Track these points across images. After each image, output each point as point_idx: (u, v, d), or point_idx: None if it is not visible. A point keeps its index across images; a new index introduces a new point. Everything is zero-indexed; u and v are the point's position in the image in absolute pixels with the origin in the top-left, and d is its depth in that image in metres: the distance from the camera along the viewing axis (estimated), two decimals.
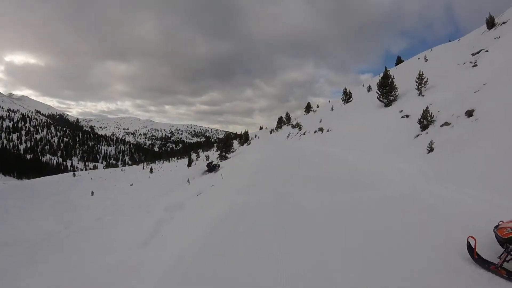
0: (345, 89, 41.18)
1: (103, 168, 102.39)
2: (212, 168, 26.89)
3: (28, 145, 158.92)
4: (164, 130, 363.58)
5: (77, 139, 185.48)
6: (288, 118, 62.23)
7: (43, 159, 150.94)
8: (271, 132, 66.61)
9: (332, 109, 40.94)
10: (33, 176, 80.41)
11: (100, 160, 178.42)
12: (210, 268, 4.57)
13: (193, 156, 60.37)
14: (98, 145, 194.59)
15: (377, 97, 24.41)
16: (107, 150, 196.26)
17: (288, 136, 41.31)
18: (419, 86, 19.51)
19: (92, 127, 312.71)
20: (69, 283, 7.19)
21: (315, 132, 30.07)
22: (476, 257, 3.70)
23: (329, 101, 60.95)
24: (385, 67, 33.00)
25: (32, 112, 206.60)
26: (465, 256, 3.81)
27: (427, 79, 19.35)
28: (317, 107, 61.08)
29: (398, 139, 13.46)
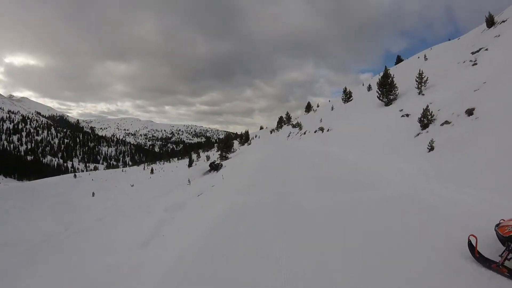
0: (345, 88, 41.19)
1: (104, 169, 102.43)
2: (215, 167, 27.02)
3: (29, 147, 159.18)
4: (165, 130, 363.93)
5: (78, 140, 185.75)
6: (289, 118, 62.24)
7: (43, 160, 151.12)
8: (271, 132, 66.63)
9: (332, 108, 40.95)
10: (34, 178, 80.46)
11: (100, 161, 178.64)
12: (210, 268, 4.57)
13: (194, 156, 60.41)
14: (99, 146, 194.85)
15: (377, 96, 24.40)
16: (107, 151, 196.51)
17: (289, 135, 41.32)
18: (419, 85, 19.49)
19: (92, 128, 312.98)
20: (70, 284, 7.19)
21: (315, 131, 30.06)
22: (477, 256, 3.69)
23: (329, 101, 60.98)
24: (385, 66, 32.97)
25: (32, 114, 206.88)
26: (466, 254, 3.79)
27: (427, 78, 19.33)
28: (317, 106, 61.10)
29: (399, 138, 13.45)
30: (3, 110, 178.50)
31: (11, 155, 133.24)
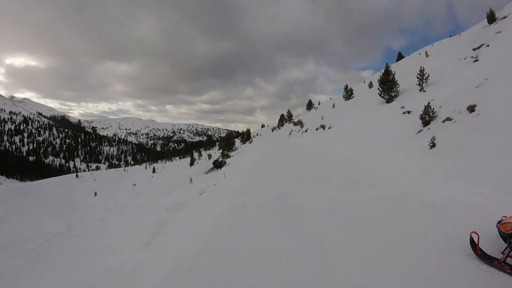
0: (346, 86, 41.14)
1: (106, 169, 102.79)
2: (218, 164, 27.17)
3: (31, 147, 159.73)
4: (166, 129, 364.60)
5: (79, 140, 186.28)
6: (290, 115, 62.26)
7: (45, 161, 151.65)
8: (272, 130, 66.71)
9: (333, 106, 40.94)
10: (36, 178, 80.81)
11: (102, 161, 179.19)
12: (210, 268, 4.58)
13: (195, 155, 60.51)
14: (101, 146, 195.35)
15: (379, 93, 24.35)
16: (109, 150, 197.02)
17: (290, 133, 41.35)
18: (420, 82, 19.44)
19: (94, 128, 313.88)
20: (72, 284, 7.23)
21: (316, 129, 30.07)
22: (479, 253, 3.68)
23: (330, 98, 60.98)
24: (386, 63, 32.92)
25: (33, 114, 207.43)
26: (468, 251, 3.79)
27: (428, 74, 19.28)
28: (319, 104, 61.10)
29: (400, 135, 13.42)
30: (4, 111, 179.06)
31: (13, 156, 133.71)
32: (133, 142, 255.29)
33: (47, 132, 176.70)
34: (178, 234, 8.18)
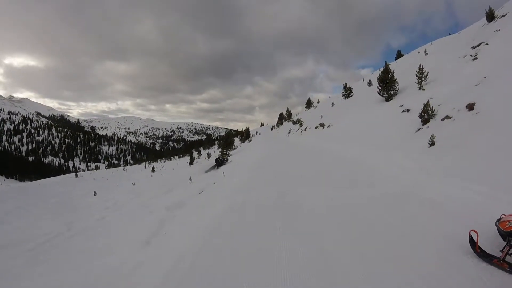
0: (346, 84, 41.13)
1: (105, 168, 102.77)
2: (220, 162, 27.29)
3: (30, 147, 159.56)
4: (165, 128, 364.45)
5: (79, 140, 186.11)
6: (289, 114, 62.24)
7: (45, 160, 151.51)
8: (272, 129, 66.69)
9: (332, 104, 40.92)
10: (36, 178, 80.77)
11: (102, 160, 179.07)
12: (210, 268, 4.58)
13: (195, 154, 60.49)
14: (100, 145, 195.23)
15: (378, 91, 24.34)
16: (108, 150, 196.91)
17: (289, 132, 41.32)
18: (420, 80, 19.43)
19: (93, 128, 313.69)
20: (72, 284, 7.23)
21: (316, 128, 30.06)
22: (478, 251, 3.69)
23: (330, 97, 60.95)
24: (385, 62, 32.89)
25: (32, 114, 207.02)
26: (467, 250, 3.80)
27: (428, 73, 19.27)
28: (318, 102, 61.08)
29: (399, 134, 13.43)
30: (3, 111, 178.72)
31: (12, 156, 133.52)
32: (132, 141, 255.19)
33: (46, 132, 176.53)
34: (177, 233, 8.17)
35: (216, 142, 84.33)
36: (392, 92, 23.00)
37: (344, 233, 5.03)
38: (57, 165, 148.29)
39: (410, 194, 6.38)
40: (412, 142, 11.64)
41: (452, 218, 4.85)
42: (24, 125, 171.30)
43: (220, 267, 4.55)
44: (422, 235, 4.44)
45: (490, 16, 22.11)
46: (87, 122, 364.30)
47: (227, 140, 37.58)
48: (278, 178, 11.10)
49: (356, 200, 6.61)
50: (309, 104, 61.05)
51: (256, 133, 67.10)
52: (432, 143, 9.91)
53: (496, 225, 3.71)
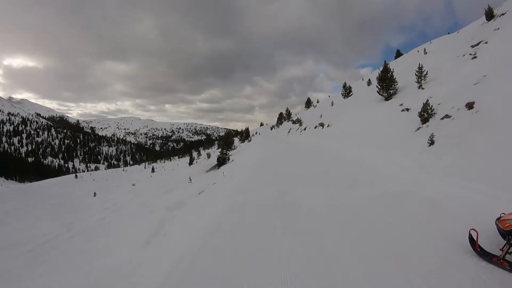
0: (345, 83, 41.13)
1: (105, 169, 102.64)
2: (222, 161, 27.42)
3: (29, 148, 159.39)
4: (165, 129, 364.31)
5: (78, 141, 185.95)
6: (289, 114, 62.22)
7: (44, 161, 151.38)
8: (271, 129, 66.68)
9: (332, 104, 40.91)
10: (35, 179, 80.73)
11: (101, 161, 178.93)
12: (210, 268, 4.58)
13: (195, 154, 60.47)
14: (99, 146, 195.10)
15: (377, 91, 24.34)
16: (108, 150, 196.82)
17: (289, 132, 41.31)
18: (419, 79, 19.43)
19: (92, 128, 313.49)
20: (71, 284, 7.22)
21: (315, 127, 30.05)
22: (478, 250, 3.68)
23: (329, 96, 60.93)
24: (385, 61, 32.93)
25: (32, 115, 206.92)
26: (467, 249, 3.79)
27: (427, 72, 19.27)
28: (317, 102, 61.06)
29: (399, 133, 13.43)
30: (3, 112, 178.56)
31: (12, 157, 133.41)
32: (132, 142, 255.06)
33: (45, 132, 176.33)
34: (177, 233, 8.17)
35: (216, 142, 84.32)
36: (391, 91, 23.00)
37: (344, 232, 5.03)
38: (56, 166, 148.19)
39: (410, 193, 6.38)
40: (412, 141, 11.64)
41: (452, 217, 4.84)
42: (23, 126, 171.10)
43: (220, 266, 4.55)
44: (422, 234, 4.44)
45: (490, 15, 22.12)
46: (86, 122, 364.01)
47: (226, 140, 37.56)
48: (278, 177, 11.08)
49: (356, 200, 6.60)
50: (308, 103, 61.03)
51: (256, 133, 67.09)
52: (431, 142, 9.91)
53: (496, 223, 3.71)
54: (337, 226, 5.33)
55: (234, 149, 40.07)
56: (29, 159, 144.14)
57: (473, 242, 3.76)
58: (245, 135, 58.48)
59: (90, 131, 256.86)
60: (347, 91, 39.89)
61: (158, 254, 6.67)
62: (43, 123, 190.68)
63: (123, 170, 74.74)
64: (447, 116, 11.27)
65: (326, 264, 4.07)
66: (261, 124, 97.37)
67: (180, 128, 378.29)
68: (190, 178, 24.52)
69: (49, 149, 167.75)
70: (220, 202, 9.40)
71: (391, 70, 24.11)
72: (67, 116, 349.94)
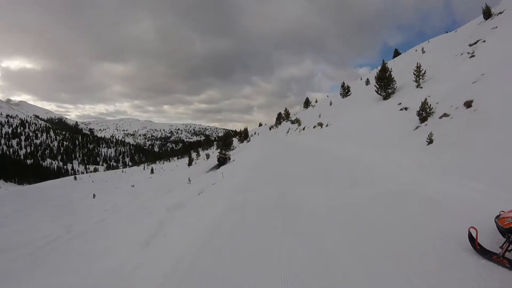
0: (343, 83, 41.19)
1: (104, 171, 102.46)
2: (223, 161, 27.46)
3: (28, 150, 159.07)
4: (164, 130, 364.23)
5: (77, 143, 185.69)
6: (287, 114, 62.29)
7: (43, 163, 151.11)
8: (270, 129, 66.69)
9: (330, 103, 40.92)
10: (34, 181, 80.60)
11: (100, 163, 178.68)
12: (210, 268, 4.57)
13: (194, 155, 60.39)
14: (98, 148, 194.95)
15: (375, 90, 24.38)
16: (107, 152, 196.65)
17: (288, 132, 41.31)
18: (417, 78, 19.46)
19: (91, 130, 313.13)
20: (71, 286, 7.21)
21: (314, 127, 30.06)
22: (478, 248, 3.69)
23: (328, 96, 60.98)
24: (383, 60, 32.91)
25: (30, 117, 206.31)
26: (466, 247, 3.80)
27: (425, 71, 19.31)
28: (316, 102, 61.10)
29: (398, 132, 13.44)
30: (1, 114, 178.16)
31: (11, 160, 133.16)
32: (131, 143, 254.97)
33: (44, 134, 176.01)
34: (177, 234, 8.15)
35: (215, 143, 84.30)
36: (390, 90, 23.04)
37: (344, 232, 5.03)
38: (55, 168, 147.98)
39: (409, 193, 6.38)
40: (410, 140, 11.65)
41: (451, 215, 4.85)
42: (22, 128, 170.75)
43: (220, 267, 4.54)
44: (422, 233, 4.44)
45: (487, 14, 22.19)
46: (85, 124, 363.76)
47: (225, 141, 37.57)
48: (278, 178, 11.08)
49: (356, 200, 6.59)
50: (307, 103, 61.07)
51: (255, 133, 67.06)
52: (430, 141, 9.93)
53: (495, 221, 3.71)
54: (337, 227, 5.33)
55: (233, 149, 40.04)
56: (28, 161, 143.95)
57: (472, 240, 3.77)
58: (244, 135, 58.45)
59: (88, 133, 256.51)
60: (345, 91, 39.94)
61: (157, 255, 6.66)
62: (42, 125, 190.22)
63: (122, 172, 74.64)
64: (445, 115, 11.29)
65: (326, 264, 4.07)
66: (260, 124, 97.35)
67: (179, 129, 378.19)
68: (189, 179, 24.47)
69: (48, 151, 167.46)
70: (219, 202, 9.39)
71: (389, 69, 24.16)
72: (66, 118, 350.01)
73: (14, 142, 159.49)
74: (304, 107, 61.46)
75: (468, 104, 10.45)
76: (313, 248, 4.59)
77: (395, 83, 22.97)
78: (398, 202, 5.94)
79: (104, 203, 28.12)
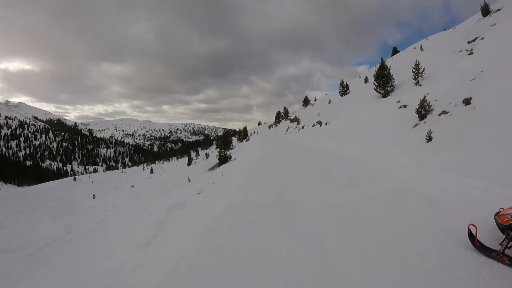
0: (342, 81, 41.19)
1: (104, 171, 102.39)
2: (224, 159, 27.53)
3: (27, 152, 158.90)
4: (163, 130, 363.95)
5: (76, 143, 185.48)
6: (286, 112, 62.26)
7: (43, 165, 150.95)
8: (269, 127, 66.71)
9: (329, 102, 40.94)
10: (34, 183, 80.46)
11: (100, 163, 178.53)
12: (210, 268, 4.57)
13: (193, 154, 60.38)
14: (98, 148, 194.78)
15: (374, 88, 24.36)
16: (106, 152, 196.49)
17: (287, 130, 41.31)
18: (416, 76, 19.46)
19: (90, 131, 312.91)
20: (72, 287, 7.21)
21: (313, 125, 30.06)
22: (478, 245, 3.68)
23: (327, 94, 61.02)
24: (382, 58, 32.94)
25: (29, 119, 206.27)
26: (466, 244, 3.80)
27: (424, 68, 19.31)
28: (315, 100, 61.10)
29: (397, 130, 13.44)
30: (0, 116, 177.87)
31: (10, 161, 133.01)
32: (130, 143, 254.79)
33: (43, 136, 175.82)
34: (177, 234, 8.15)
35: (214, 142, 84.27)
36: (388, 88, 23.03)
37: (344, 231, 5.02)
38: (55, 169, 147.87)
39: (408, 191, 6.37)
40: (409, 138, 11.65)
41: (450, 213, 4.84)
42: (21, 130, 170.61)
43: (220, 267, 4.54)
44: (421, 232, 4.43)
45: (486, 11, 22.18)
46: (84, 125, 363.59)
47: (225, 140, 37.46)
48: (277, 177, 11.06)
49: (355, 199, 6.57)
50: (306, 102, 61.06)
51: (254, 132, 67.05)
52: (429, 139, 9.92)
53: (494, 218, 3.71)
54: (337, 225, 5.32)
55: (232, 148, 40.00)
56: (28, 163, 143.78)
57: (472, 237, 3.77)
58: (243, 134, 58.43)
59: (88, 134, 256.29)
60: (344, 89, 39.94)
61: (157, 255, 6.65)
62: (41, 126, 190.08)
63: (122, 172, 74.65)
64: (444, 112, 11.29)
65: (326, 263, 4.06)
66: (259, 123, 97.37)
67: (178, 128, 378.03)
68: (189, 179, 24.47)
69: (47, 152, 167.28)
70: (219, 202, 9.39)
71: (388, 67, 24.15)
72: (65, 119, 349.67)
73: (13, 143, 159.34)
74: (303, 105, 61.46)
75: (467, 102, 10.45)
76: (312, 247, 4.59)
77: (394, 81, 22.96)
78: (397, 200, 5.93)
79: (104, 204, 28.12)
